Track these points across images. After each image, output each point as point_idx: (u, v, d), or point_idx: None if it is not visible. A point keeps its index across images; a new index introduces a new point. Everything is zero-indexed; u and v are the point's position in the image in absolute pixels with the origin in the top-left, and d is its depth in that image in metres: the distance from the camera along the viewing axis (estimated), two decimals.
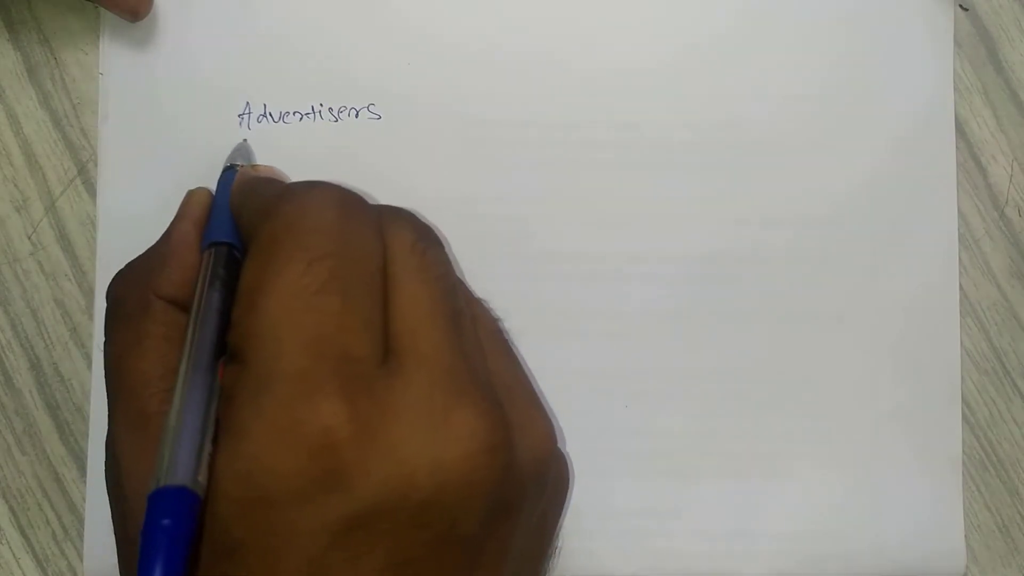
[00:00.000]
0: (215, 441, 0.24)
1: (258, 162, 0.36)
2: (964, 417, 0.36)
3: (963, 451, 0.36)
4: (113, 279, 0.30)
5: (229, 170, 0.33)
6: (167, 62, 0.37)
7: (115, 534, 0.27)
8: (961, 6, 0.37)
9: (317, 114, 0.36)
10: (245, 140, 0.36)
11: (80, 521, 0.36)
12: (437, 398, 0.24)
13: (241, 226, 0.29)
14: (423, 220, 0.28)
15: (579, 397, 0.36)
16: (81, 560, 0.36)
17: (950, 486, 0.36)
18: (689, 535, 0.35)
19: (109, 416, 0.27)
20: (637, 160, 0.36)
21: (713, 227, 0.36)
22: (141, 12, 0.35)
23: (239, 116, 0.36)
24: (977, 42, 0.37)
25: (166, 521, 0.22)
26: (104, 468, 0.28)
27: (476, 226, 0.36)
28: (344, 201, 0.26)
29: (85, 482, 0.36)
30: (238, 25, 0.37)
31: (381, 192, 0.36)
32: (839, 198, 0.36)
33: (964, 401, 0.36)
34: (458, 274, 0.29)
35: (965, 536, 0.36)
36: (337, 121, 0.36)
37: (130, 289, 0.29)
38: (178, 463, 0.23)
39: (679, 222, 0.36)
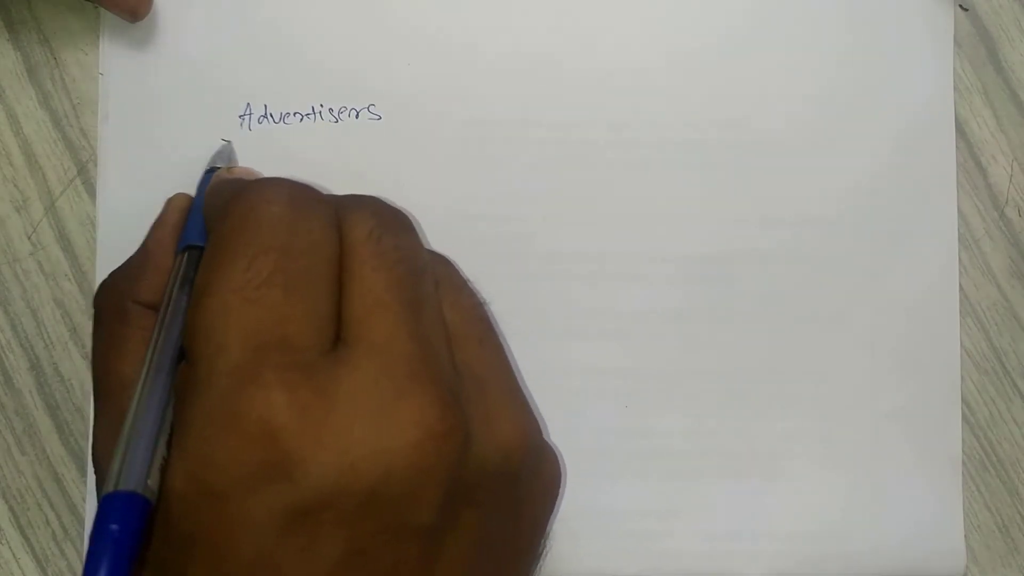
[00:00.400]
0: (169, 442, 0.24)
1: (242, 164, 0.36)
2: (964, 417, 0.36)
3: (963, 451, 0.36)
4: (97, 288, 0.30)
5: (209, 173, 0.33)
6: (167, 62, 0.37)
7: None
8: (961, 6, 0.37)
9: (317, 115, 0.37)
10: (228, 142, 0.36)
11: (80, 521, 0.36)
12: (386, 386, 0.23)
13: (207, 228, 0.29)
14: (389, 205, 0.28)
15: (579, 397, 0.36)
16: (81, 560, 0.36)
17: (950, 486, 0.36)
18: (689, 535, 0.35)
19: (94, 418, 0.28)
20: (637, 160, 0.36)
21: (713, 227, 0.36)
22: (141, 12, 0.36)
23: (240, 117, 0.36)
24: (977, 42, 0.37)
25: (114, 526, 0.22)
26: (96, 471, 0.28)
27: (476, 226, 0.36)
28: (293, 195, 0.26)
29: (85, 482, 0.36)
30: (238, 25, 0.37)
31: (381, 192, 0.36)
32: (839, 198, 0.36)
33: (964, 401, 0.36)
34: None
35: (965, 536, 0.36)
36: (337, 122, 0.36)
37: (110, 296, 0.29)
38: (130, 467, 0.23)
39: (679, 222, 0.36)
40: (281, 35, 0.37)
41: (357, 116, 0.36)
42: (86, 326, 0.36)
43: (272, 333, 0.23)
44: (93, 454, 0.28)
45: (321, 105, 0.37)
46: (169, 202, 0.32)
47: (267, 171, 0.36)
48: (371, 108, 0.36)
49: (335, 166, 0.36)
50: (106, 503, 0.23)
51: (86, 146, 0.37)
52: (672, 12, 0.36)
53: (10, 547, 0.36)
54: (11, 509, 0.36)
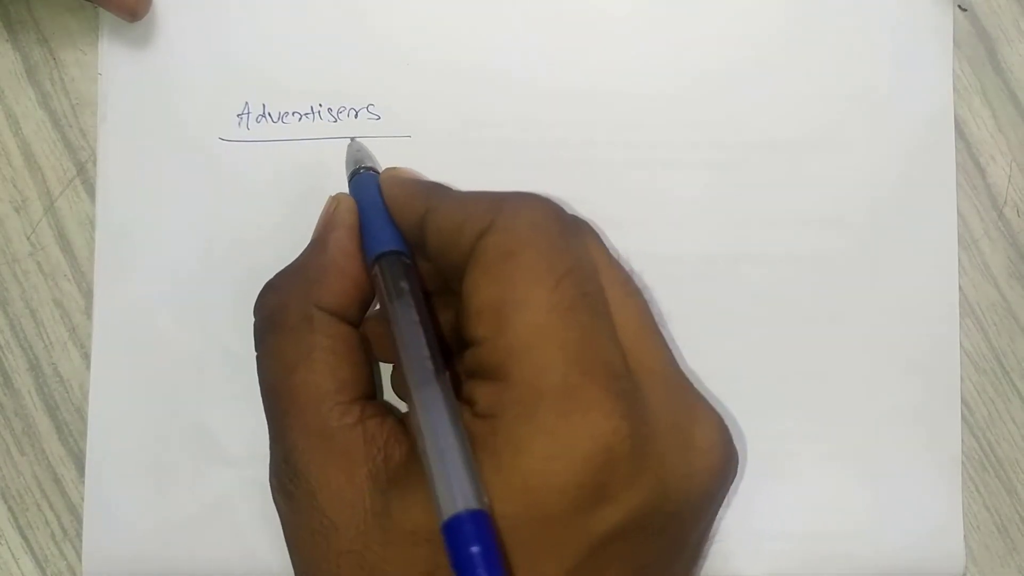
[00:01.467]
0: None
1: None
2: (963, 417, 0.36)
3: (962, 451, 0.36)
4: (265, 290, 0.29)
5: (362, 174, 0.32)
6: (166, 62, 0.37)
7: (298, 547, 0.26)
8: (960, 7, 0.37)
9: (316, 114, 0.36)
10: (355, 139, 0.35)
11: (79, 521, 0.36)
12: (679, 412, 0.24)
13: (407, 231, 0.28)
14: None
15: None
16: (80, 560, 0.36)
17: (949, 486, 0.36)
18: None
19: (280, 430, 0.26)
20: (638, 162, 0.36)
21: (714, 228, 0.36)
22: (139, 12, 0.36)
23: (238, 116, 0.36)
24: (976, 43, 0.37)
25: (474, 548, 0.21)
26: (274, 481, 0.27)
27: None
28: (561, 216, 0.26)
29: (84, 482, 0.36)
30: (237, 25, 0.37)
31: None
32: (839, 199, 0.36)
33: (963, 401, 0.36)
34: None
35: (964, 536, 0.36)
36: (336, 121, 0.36)
37: (288, 301, 0.27)
38: (457, 487, 0.22)
39: (680, 223, 0.36)
40: (280, 35, 0.37)
41: (356, 116, 0.36)
42: (85, 326, 0.36)
43: (595, 357, 0.23)
44: (291, 465, 0.26)
45: (320, 105, 0.37)
46: (337, 202, 0.30)
47: (265, 172, 0.36)
48: (370, 108, 0.36)
49: (334, 166, 0.36)
50: (456, 526, 0.21)
51: (85, 146, 0.37)
52: (672, 13, 0.37)
53: (9, 547, 0.36)
54: (10, 509, 0.36)
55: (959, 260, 0.36)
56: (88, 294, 0.37)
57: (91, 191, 0.37)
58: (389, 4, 0.37)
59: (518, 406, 0.23)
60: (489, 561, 0.21)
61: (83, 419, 0.36)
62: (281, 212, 0.36)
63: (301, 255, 0.30)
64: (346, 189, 0.33)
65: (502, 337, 0.24)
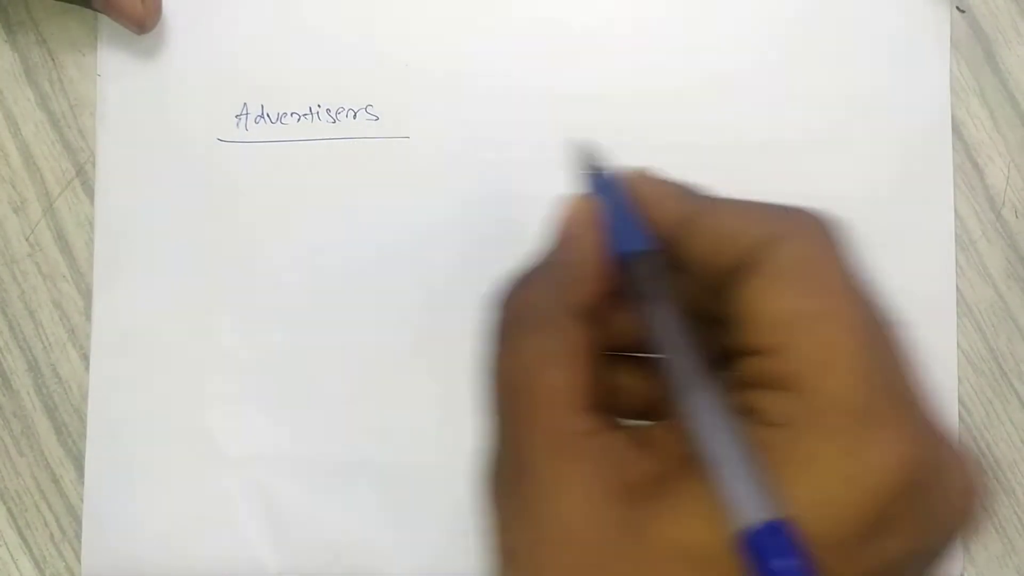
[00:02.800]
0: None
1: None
2: (960, 418, 0.36)
3: None
4: (510, 288, 0.28)
5: (601, 173, 0.31)
6: (165, 63, 0.37)
7: (517, 551, 0.25)
8: (958, 8, 0.37)
9: (315, 115, 0.37)
10: (575, 138, 0.34)
11: (78, 522, 0.36)
12: (945, 449, 0.24)
13: (660, 232, 0.27)
14: None
15: None
16: (79, 561, 0.36)
17: None
18: None
19: (514, 429, 0.25)
20: (636, 161, 0.36)
21: None
22: (148, 25, 0.35)
23: (236, 117, 0.36)
24: (974, 44, 0.37)
25: (782, 562, 0.20)
26: (493, 480, 0.26)
27: (475, 226, 0.36)
28: (842, 234, 0.26)
29: (83, 483, 0.36)
30: (236, 26, 0.37)
31: (379, 192, 0.36)
32: (836, 199, 0.36)
33: (961, 402, 0.36)
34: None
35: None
36: (335, 122, 0.36)
37: (539, 300, 0.27)
38: (755, 495, 0.21)
39: None
40: (279, 35, 0.37)
41: (355, 117, 0.36)
42: (84, 327, 0.36)
43: (896, 380, 0.23)
44: (516, 464, 0.25)
45: (319, 105, 0.37)
46: (581, 203, 0.29)
47: (264, 172, 0.36)
48: (368, 109, 0.36)
49: (333, 167, 0.36)
50: (758, 538, 0.20)
51: (84, 147, 0.37)
52: (671, 15, 0.36)
53: (8, 548, 0.36)
54: (9, 510, 0.36)
55: (957, 261, 0.36)
56: (87, 295, 0.37)
57: (90, 192, 0.37)
58: (387, 6, 0.37)
59: (815, 419, 0.22)
60: (802, 573, 0.20)
61: (82, 420, 0.36)
62: (280, 212, 0.36)
63: (544, 254, 0.29)
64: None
65: (799, 348, 0.23)
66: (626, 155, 0.36)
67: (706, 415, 0.23)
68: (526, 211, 0.36)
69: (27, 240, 0.37)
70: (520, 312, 0.27)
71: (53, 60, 0.37)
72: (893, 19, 0.36)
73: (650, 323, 0.25)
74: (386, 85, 0.36)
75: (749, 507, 0.21)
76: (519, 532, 0.24)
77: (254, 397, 0.36)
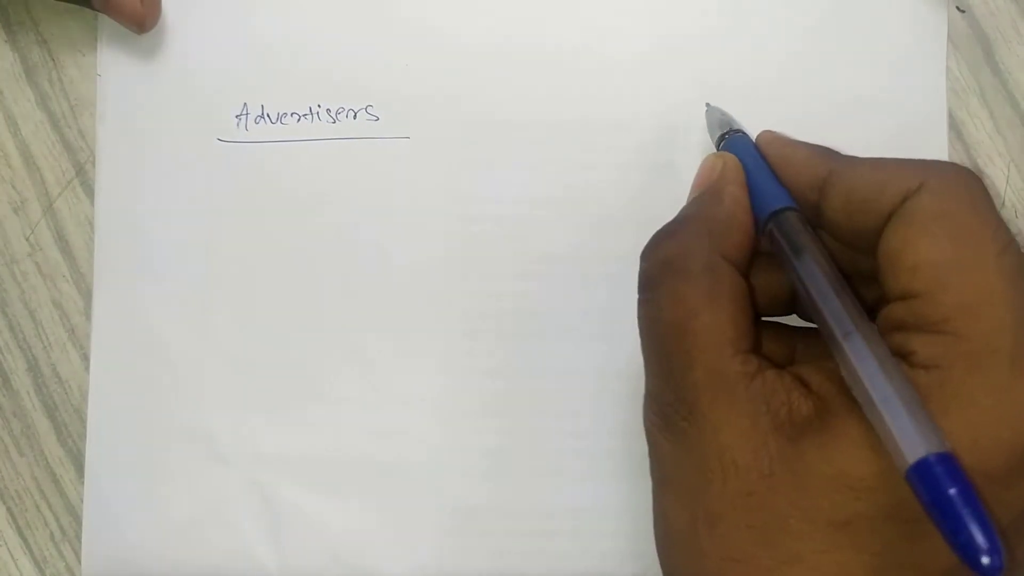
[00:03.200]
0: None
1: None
2: None
3: None
4: (660, 237, 0.29)
5: (737, 135, 0.32)
6: (165, 63, 0.37)
7: (682, 484, 0.26)
8: (958, 8, 0.37)
9: (315, 115, 0.37)
10: (710, 105, 0.35)
11: (78, 522, 0.36)
12: None
13: (799, 190, 0.29)
14: None
15: (579, 397, 0.36)
16: (79, 561, 0.36)
17: None
18: None
19: (677, 369, 0.26)
20: (635, 160, 0.36)
21: None
22: (148, 24, 0.35)
23: (236, 117, 0.37)
24: (974, 44, 0.37)
25: (952, 490, 0.21)
26: (656, 419, 0.27)
27: (475, 226, 0.36)
28: (985, 186, 0.26)
29: (83, 483, 0.36)
30: (236, 26, 0.37)
31: (379, 192, 0.36)
32: None
33: None
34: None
35: None
36: (335, 122, 0.36)
37: (691, 247, 0.28)
38: (920, 431, 0.22)
39: None
40: (279, 35, 0.37)
41: (355, 117, 0.37)
42: (84, 327, 0.36)
43: None
44: (684, 403, 0.26)
45: (319, 105, 0.37)
46: (723, 161, 0.30)
47: (264, 173, 0.36)
48: (369, 109, 0.36)
49: (333, 167, 0.36)
50: (926, 470, 0.21)
51: (84, 147, 0.37)
52: (669, 14, 0.36)
53: (8, 548, 0.36)
54: (9, 510, 0.36)
55: None
56: (87, 295, 0.37)
57: (90, 192, 0.37)
58: (387, 6, 0.37)
59: (968, 360, 0.23)
60: (970, 500, 0.21)
61: (82, 420, 0.36)
62: (280, 213, 0.36)
63: (691, 206, 0.30)
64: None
65: (948, 292, 0.24)
66: (627, 157, 0.36)
67: (865, 358, 0.24)
68: (526, 211, 0.36)
69: (27, 240, 0.37)
70: (676, 260, 0.28)
71: (53, 60, 0.37)
72: (891, 18, 0.36)
73: (801, 275, 0.26)
74: (386, 85, 0.36)
75: (915, 442, 0.22)
76: (680, 465, 0.26)
77: (254, 397, 0.36)
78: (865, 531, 0.23)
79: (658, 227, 0.36)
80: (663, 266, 0.28)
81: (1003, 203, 0.37)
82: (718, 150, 0.32)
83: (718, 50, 0.36)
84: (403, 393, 0.36)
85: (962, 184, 0.26)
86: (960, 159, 0.37)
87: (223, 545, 0.35)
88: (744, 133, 0.32)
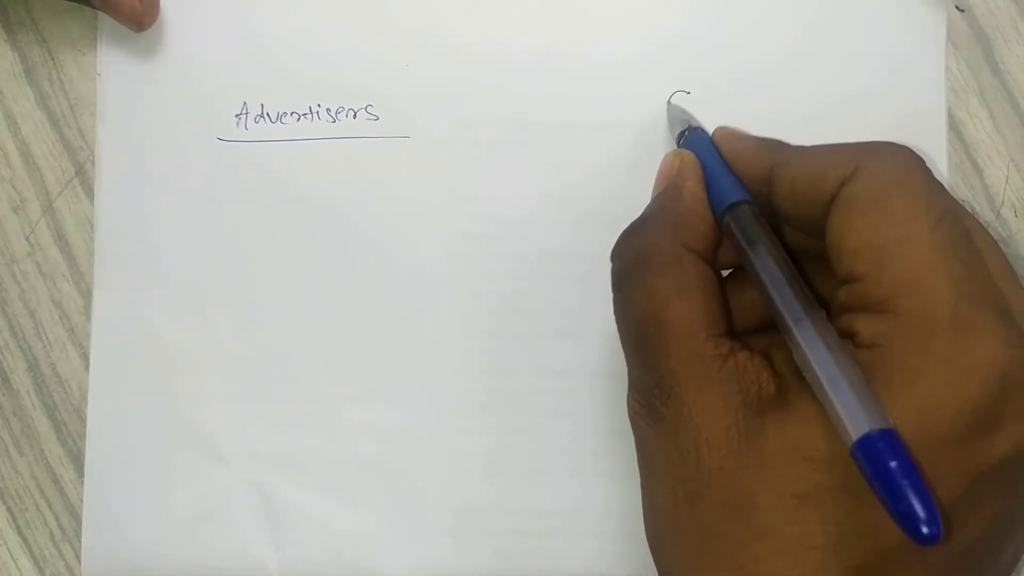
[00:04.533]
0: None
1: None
2: None
3: None
4: (627, 235, 0.30)
5: (694, 132, 0.33)
6: (165, 63, 0.37)
7: (661, 466, 0.27)
8: (957, 7, 0.37)
9: (315, 115, 0.37)
10: (671, 102, 0.36)
11: (78, 521, 0.36)
12: None
13: (750, 183, 0.30)
14: None
15: (578, 397, 0.36)
16: (79, 560, 0.36)
17: None
18: None
19: (653, 358, 0.27)
20: (635, 160, 0.36)
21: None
22: (146, 22, 0.35)
23: (236, 116, 0.37)
24: (974, 43, 0.37)
25: (893, 463, 0.22)
26: (637, 407, 0.28)
27: (474, 226, 0.36)
28: (922, 161, 0.27)
29: (83, 483, 0.36)
30: (236, 25, 0.37)
31: (378, 192, 0.36)
32: None
33: None
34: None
35: None
36: (335, 122, 0.36)
37: (658, 241, 0.29)
38: (862, 409, 0.23)
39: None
40: (279, 35, 0.37)
41: (355, 116, 0.37)
42: (84, 327, 0.36)
43: (982, 290, 0.25)
44: (664, 389, 0.27)
45: (319, 105, 0.37)
46: (680, 157, 0.32)
47: (264, 172, 0.36)
48: (369, 108, 0.36)
49: (333, 166, 0.36)
50: (869, 445, 0.22)
51: (84, 147, 0.37)
52: (668, 13, 0.37)
53: (8, 548, 0.36)
54: (9, 510, 0.36)
55: None
56: (87, 294, 0.37)
57: (89, 191, 0.37)
58: (387, 5, 0.37)
59: (908, 336, 0.24)
60: (909, 472, 0.22)
61: (81, 419, 0.36)
62: (280, 212, 0.36)
63: (653, 203, 0.31)
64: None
65: (886, 272, 0.25)
66: (627, 155, 0.36)
67: (813, 342, 0.25)
68: (526, 211, 0.36)
69: (27, 239, 0.37)
70: (644, 254, 0.29)
71: (53, 59, 0.37)
72: (890, 17, 0.36)
73: (755, 266, 0.28)
74: (386, 85, 0.36)
75: (859, 419, 0.23)
76: (659, 449, 0.27)
77: (254, 397, 0.36)
78: (825, 502, 0.24)
79: None
80: (632, 262, 0.29)
81: (1002, 202, 0.37)
82: (678, 147, 0.33)
83: (716, 50, 0.37)
84: (403, 392, 0.36)
85: (895, 163, 0.27)
86: (959, 159, 0.37)
87: (223, 544, 0.35)
88: (702, 130, 0.33)
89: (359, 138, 0.36)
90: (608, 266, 0.36)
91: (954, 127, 0.37)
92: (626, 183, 0.36)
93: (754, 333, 0.29)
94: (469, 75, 0.36)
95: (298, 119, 0.37)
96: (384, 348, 0.36)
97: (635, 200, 0.36)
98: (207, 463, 0.36)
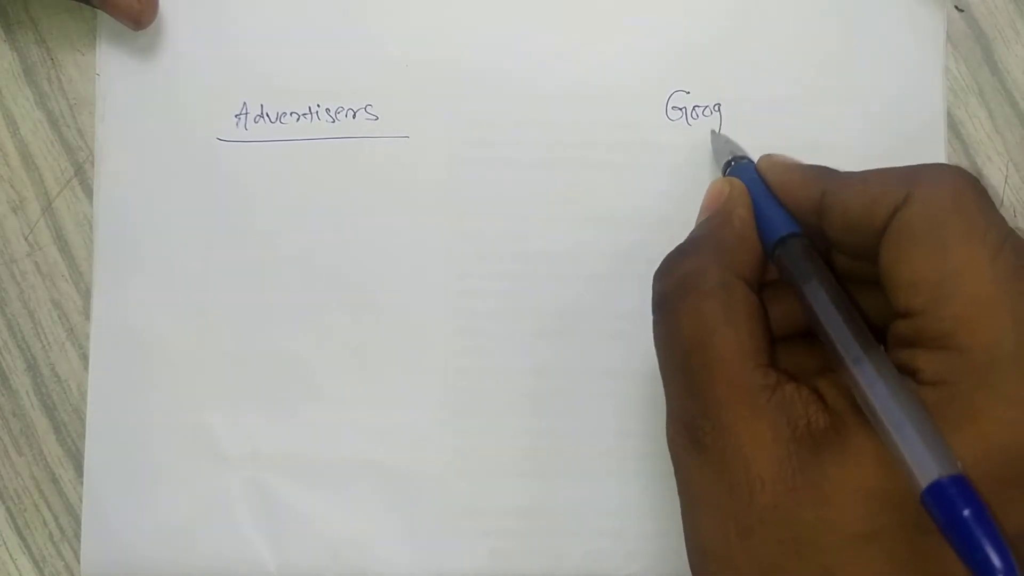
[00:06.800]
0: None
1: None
2: None
3: None
4: (675, 256, 0.29)
5: (741, 163, 0.32)
6: (164, 62, 0.37)
7: (709, 500, 0.26)
8: (956, 7, 0.37)
9: (314, 114, 0.37)
10: (715, 131, 0.36)
11: (77, 522, 0.36)
12: None
13: (800, 214, 0.29)
14: None
15: (578, 397, 0.36)
16: (78, 561, 0.36)
17: None
18: None
19: (697, 385, 0.26)
20: (634, 159, 0.36)
21: None
22: (144, 21, 0.35)
23: (236, 116, 0.36)
24: (973, 43, 0.37)
25: (966, 512, 0.22)
26: (679, 437, 0.27)
27: (474, 226, 0.36)
28: (978, 183, 0.26)
29: (82, 483, 0.36)
30: (235, 25, 0.37)
31: (378, 192, 0.36)
32: None
33: None
34: None
35: None
36: (334, 122, 0.36)
37: (707, 266, 0.28)
38: (932, 454, 0.23)
39: (679, 223, 0.36)
40: (278, 35, 0.37)
41: (354, 116, 0.37)
42: (83, 327, 0.36)
43: None
44: (708, 419, 0.26)
45: (318, 105, 0.37)
46: (728, 186, 0.31)
47: (263, 172, 0.36)
48: (368, 108, 0.36)
49: (332, 166, 0.36)
50: (940, 492, 0.22)
51: (83, 146, 0.37)
52: (664, 13, 0.37)
53: (7, 548, 0.36)
54: (8, 510, 0.36)
55: None
56: (86, 294, 0.37)
57: (89, 191, 0.37)
58: (387, 5, 0.37)
59: (974, 374, 0.24)
60: (983, 521, 0.21)
61: (81, 419, 0.36)
62: (279, 212, 0.36)
63: (701, 228, 0.30)
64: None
65: (946, 307, 0.24)
66: (626, 155, 0.36)
67: (875, 383, 0.24)
68: (526, 211, 0.36)
69: (26, 239, 0.37)
70: (691, 278, 0.28)
71: (52, 59, 0.37)
72: (889, 17, 0.36)
73: (807, 301, 0.27)
74: (386, 85, 0.36)
75: (927, 465, 0.22)
76: (706, 482, 0.26)
77: (254, 396, 0.36)
78: (890, 542, 0.23)
79: (657, 225, 0.36)
80: (679, 285, 0.28)
81: (1001, 202, 0.37)
82: (724, 176, 0.33)
83: (714, 51, 0.37)
84: (402, 392, 0.36)
85: (949, 188, 0.26)
86: (959, 158, 0.37)
87: (222, 545, 0.35)
88: (749, 160, 0.33)
89: (359, 138, 0.36)
90: (609, 265, 0.36)
91: (953, 127, 0.37)
92: (627, 183, 0.36)
93: (797, 358, 0.28)
94: (469, 75, 0.36)
95: (298, 119, 0.37)
96: (383, 348, 0.36)
97: (636, 200, 0.36)
98: (206, 463, 0.36)
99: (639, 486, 0.36)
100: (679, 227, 0.36)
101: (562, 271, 0.36)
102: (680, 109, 0.36)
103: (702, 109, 0.36)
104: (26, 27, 0.37)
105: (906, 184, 0.26)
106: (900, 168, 0.27)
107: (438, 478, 0.36)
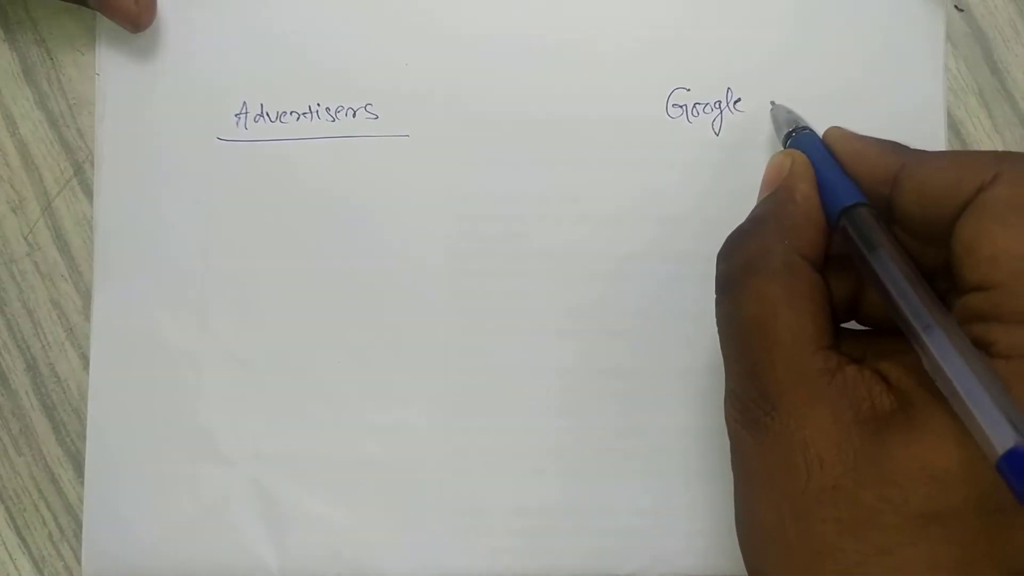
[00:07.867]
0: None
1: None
2: None
3: None
4: (738, 236, 0.29)
5: (804, 132, 0.32)
6: (164, 62, 0.37)
7: (766, 480, 0.26)
8: (956, 7, 0.37)
9: (314, 113, 0.37)
10: (775, 103, 0.35)
11: (77, 522, 0.36)
12: None
13: (870, 186, 0.29)
14: None
15: (578, 397, 0.36)
16: (78, 561, 0.36)
17: None
18: (689, 534, 0.35)
19: (758, 365, 0.27)
20: (635, 159, 0.36)
21: (709, 227, 0.36)
22: (143, 23, 0.35)
23: (235, 115, 0.36)
24: (973, 43, 0.37)
25: None
26: (738, 415, 0.27)
27: (474, 225, 0.36)
28: None
29: (82, 483, 0.36)
30: (235, 25, 0.37)
31: (378, 190, 0.36)
32: None
33: None
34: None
35: None
36: (334, 121, 0.36)
37: (771, 246, 0.28)
38: (1008, 422, 0.22)
39: (677, 221, 0.36)
40: (278, 34, 0.37)
41: (354, 115, 0.37)
42: (82, 327, 0.36)
43: None
44: (767, 399, 0.26)
45: (318, 104, 0.37)
46: (791, 159, 0.31)
47: (263, 171, 0.36)
48: (368, 107, 0.36)
49: (332, 165, 0.36)
50: (1017, 458, 0.22)
51: (83, 146, 0.37)
52: (665, 12, 0.37)
53: (7, 548, 0.36)
54: (7, 510, 0.36)
55: None
56: (86, 294, 0.36)
57: (88, 191, 0.37)
58: (387, 5, 0.37)
59: None
60: None
61: (80, 420, 0.36)
62: (279, 211, 0.36)
63: (763, 205, 0.30)
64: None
65: (1018, 283, 0.24)
66: (627, 153, 0.36)
67: (948, 351, 0.24)
68: (526, 209, 0.36)
69: (25, 239, 0.37)
70: (754, 260, 0.28)
71: (52, 59, 0.37)
72: (889, 17, 0.36)
73: (877, 271, 0.27)
74: (386, 84, 0.36)
75: (1004, 432, 0.22)
76: (764, 462, 0.26)
77: (254, 396, 0.36)
78: (954, 523, 0.24)
79: (658, 225, 0.36)
80: (742, 266, 0.28)
81: None
82: (785, 148, 0.32)
83: (714, 48, 0.37)
84: (402, 392, 0.36)
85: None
86: None
87: (224, 544, 0.35)
88: (811, 130, 0.32)
89: (359, 137, 0.36)
90: (610, 263, 0.36)
91: (953, 126, 0.37)
92: (628, 180, 0.36)
93: (861, 341, 0.28)
94: (469, 73, 0.36)
95: (297, 118, 0.37)
96: (384, 347, 0.36)
97: (636, 197, 0.36)
98: (207, 463, 0.36)
99: (639, 486, 0.36)
100: (681, 224, 0.36)
101: (563, 270, 0.36)
102: (681, 107, 0.36)
103: (703, 107, 0.36)
104: (26, 27, 0.37)
105: (995, 164, 0.26)
106: (987, 151, 0.28)
107: (439, 478, 0.36)
